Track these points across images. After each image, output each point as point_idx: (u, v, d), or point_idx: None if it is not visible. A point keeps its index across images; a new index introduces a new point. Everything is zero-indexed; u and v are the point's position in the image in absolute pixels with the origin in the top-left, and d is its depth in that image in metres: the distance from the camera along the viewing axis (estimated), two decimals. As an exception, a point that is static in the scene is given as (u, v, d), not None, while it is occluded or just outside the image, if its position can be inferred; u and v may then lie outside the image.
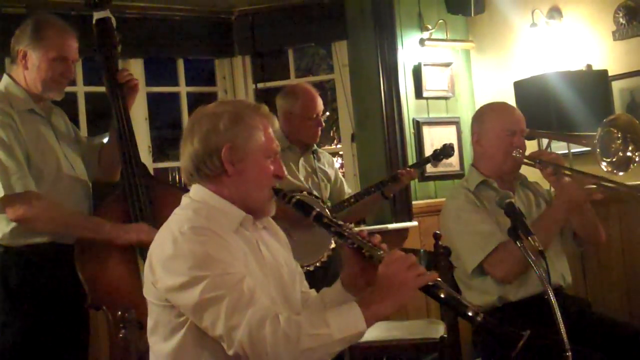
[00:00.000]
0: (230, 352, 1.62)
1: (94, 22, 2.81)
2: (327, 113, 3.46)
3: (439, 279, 1.70)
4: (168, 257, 1.69)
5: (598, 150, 2.68)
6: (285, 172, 1.93)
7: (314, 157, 3.43)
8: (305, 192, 3.21)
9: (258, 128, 1.82)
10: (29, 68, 2.58)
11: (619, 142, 2.72)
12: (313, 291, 2.04)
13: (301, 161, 3.39)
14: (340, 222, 1.83)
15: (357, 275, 1.87)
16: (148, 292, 1.79)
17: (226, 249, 1.69)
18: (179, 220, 1.75)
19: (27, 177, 2.45)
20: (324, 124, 3.37)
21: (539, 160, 2.73)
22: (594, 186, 2.62)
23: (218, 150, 1.77)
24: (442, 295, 1.67)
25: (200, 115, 1.85)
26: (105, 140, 2.94)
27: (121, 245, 2.54)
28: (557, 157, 2.76)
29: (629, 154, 2.71)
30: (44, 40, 2.58)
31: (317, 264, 2.86)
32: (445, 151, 3.45)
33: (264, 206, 1.86)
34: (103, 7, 2.80)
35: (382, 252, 1.75)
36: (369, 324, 1.65)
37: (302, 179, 3.33)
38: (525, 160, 2.76)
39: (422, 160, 3.54)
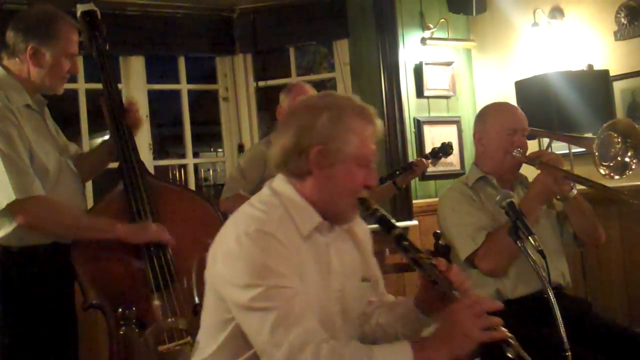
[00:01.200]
0: None
1: (78, 14, 2.75)
2: None
3: (510, 335, 1.52)
4: (229, 254, 1.64)
5: (596, 153, 2.68)
6: (377, 183, 1.83)
7: None
8: None
9: (356, 132, 1.70)
10: (41, 66, 2.52)
11: (618, 146, 2.72)
12: (390, 297, 1.97)
13: None
14: (420, 249, 1.70)
15: (429, 300, 1.77)
16: (207, 274, 1.74)
17: (286, 261, 1.61)
18: (249, 216, 1.68)
19: (34, 180, 2.39)
20: None
21: (539, 161, 2.73)
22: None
23: (307, 150, 1.68)
24: (510, 356, 1.49)
25: (301, 106, 1.79)
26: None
27: (135, 244, 2.52)
28: (557, 159, 2.76)
29: (627, 159, 2.72)
30: (58, 38, 2.52)
31: None
32: (443, 149, 3.46)
33: (344, 214, 1.77)
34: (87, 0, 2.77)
35: (456, 292, 1.60)
36: None
37: None
38: (526, 160, 2.77)
39: (426, 155, 3.55)
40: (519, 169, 2.85)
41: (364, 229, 1.93)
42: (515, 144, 2.74)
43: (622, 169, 2.73)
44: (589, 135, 3.22)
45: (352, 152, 1.70)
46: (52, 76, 2.56)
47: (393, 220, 1.75)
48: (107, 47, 2.81)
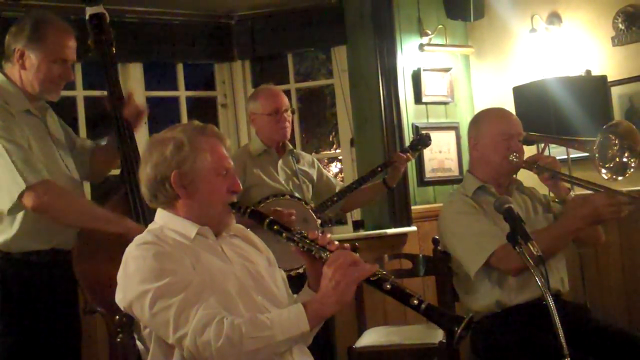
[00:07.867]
0: (186, 355, 1.73)
1: (86, 17, 2.75)
2: (291, 110, 3.40)
3: (381, 270, 1.75)
4: (119, 277, 1.83)
5: (597, 155, 2.68)
6: (241, 187, 2.00)
7: (292, 159, 3.39)
8: (287, 195, 3.21)
9: (204, 149, 1.91)
10: (26, 68, 2.51)
11: (615, 148, 2.72)
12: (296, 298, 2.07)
13: (280, 164, 3.35)
14: (291, 228, 1.90)
15: (318, 277, 1.86)
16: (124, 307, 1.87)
17: (169, 258, 1.78)
18: (134, 242, 1.86)
19: (40, 166, 2.38)
20: (288, 120, 3.32)
21: (536, 165, 2.74)
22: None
23: (168, 178, 1.87)
24: (388, 287, 1.71)
25: (151, 143, 1.97)
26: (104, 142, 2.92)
27: None
28: (554, 162, 2.76)
29: (625, 159, 2.72)
30: (42, 41, 2.51)
31: (300, 270, 2.85)
32: (422, 141, 3.47)
33: (219, 221, 1.96)
34: (96, 2, 2.76)
35: (328, 253, 1.80)
36: (313, 324, 1.70)
37: (283, 181, 3.31)
38: (523, 165, 2.77)
39: (405, 148, 3.57)
40: (515, 174, 2.86)
41: (260, 241, 2.13)
42: (512, 149, 2.75)
43: (622, 169, 2.73)
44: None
45: (207, 166, 1.90)
46: (40, 81, 2.53)
47: (261, 210, 1.98)
48: (114, 50, 2.81)
